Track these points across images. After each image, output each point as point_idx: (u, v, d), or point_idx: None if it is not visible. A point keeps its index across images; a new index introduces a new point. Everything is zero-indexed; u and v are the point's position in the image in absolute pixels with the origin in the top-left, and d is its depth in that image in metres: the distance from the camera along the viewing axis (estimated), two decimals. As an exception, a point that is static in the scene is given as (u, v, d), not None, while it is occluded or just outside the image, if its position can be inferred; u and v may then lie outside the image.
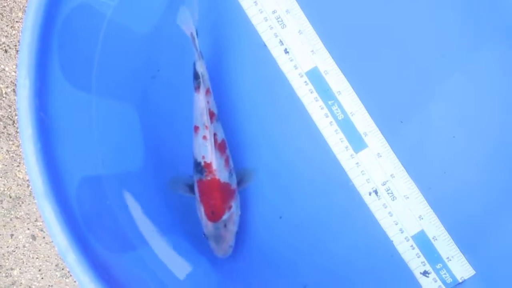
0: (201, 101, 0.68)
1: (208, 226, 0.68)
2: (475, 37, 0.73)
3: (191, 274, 0.69)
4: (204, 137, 0.67)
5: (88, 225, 0.60)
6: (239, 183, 0.70)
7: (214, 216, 0.67)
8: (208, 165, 0.67)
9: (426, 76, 0.74)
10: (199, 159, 0.68)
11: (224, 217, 0.67)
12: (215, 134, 0.68)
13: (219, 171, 0.67)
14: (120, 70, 0.70)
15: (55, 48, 0.61)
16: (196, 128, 0.68)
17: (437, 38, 0.74)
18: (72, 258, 0.57)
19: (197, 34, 0.69)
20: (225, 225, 0.68)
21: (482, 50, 0.73)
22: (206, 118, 0.68)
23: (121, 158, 0.69)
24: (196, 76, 0.69)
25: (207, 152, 0.67)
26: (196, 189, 0.69)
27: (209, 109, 0.68)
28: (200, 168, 0.68)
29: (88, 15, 0.65)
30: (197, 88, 0.69)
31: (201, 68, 0.69)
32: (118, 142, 0.69)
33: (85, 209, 0.61)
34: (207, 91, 0.69)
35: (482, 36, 0.74)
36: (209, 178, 0.67)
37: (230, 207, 0.68)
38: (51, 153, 0.59)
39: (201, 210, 0.68)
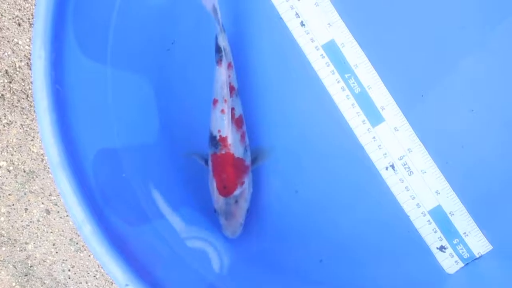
0: (223, 75, 0.68)
1: (219, 200, 0.67)
2: (495, 10, 0.72)
3: (206, 247, 0.68)
4: (222, 111, 0.67)
5: (104, 197, 0.60)
6: (254, 161, 0.70)
7: (226, 190, 0.67)
8: (224, 139, 0.67)
9: (444, 49, 0.72)
10: (215, 133, 0.67)
11: (236, 192, 0.67)
12: (232, 109, 0.67)
13: (234, 146, 0.67)
14: (135, 42, 0.70)
15: (70, 19, 0.61)
16: (215, 101, 0.68)
17: (456, 10, 0.72)
18: (88, 230, 0.57)
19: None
20: (236, 201, 0.67)
21: (502, 24, 0.72)
22: (226, 91, 0.67)
23: (136, 130, 0.69)
24: (218, 50, 0.69)
25: (224, 126, 0.67)
26: (209, 163, 0.68)
27: (230, 83, 0.68)
28: (216, 141, 0.67)
29: (103, -15, 0.65)
30: (219, 61, 0.68)
31: (223, 42, 0.69)
32: (133, 114, 0.69)
33: (101, 181, 0.61)
34: (229, 65, 0.68)
35: (502, 10, 0.72)
36: (223, 152, 0.67)
37: (242, 183, 0.67)
38: (66, 125, 0.59)
39: (213, 184, 0.68)
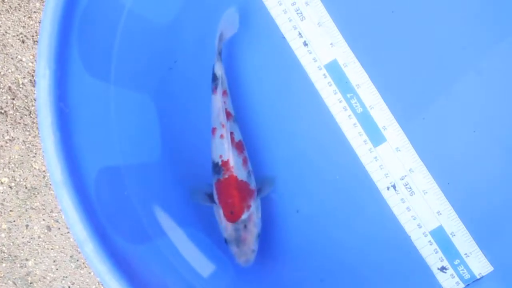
0: (218, 101, 0.68)
1: (227, 228, 0.66)
2: (499, 30, 0.72)
3: (208, 267, 0.68)
4: (221, 136, 0.67)
5: (106, 215, 0.60)
6: (259, 191, 0.69)
7: (233, 216, 0.66)
8: (225, 163, 0.67)
9: (446, 69, 0.73)
10: (217, 160, 0.67)
11: (243, 216, 0.66)
12: (231, 133, 0.67)
13: (237, 168, 0.67)
14: (139, 61, 0.70)
15: (74, 38, 0.61)
16: (214, 130, 0.68)
17: (458, 31, 0.73)
18: (90, 248, 0.57)
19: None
20: (245, 226, 0.66)
21: (503, 46, 0.73)
22: (222, 116, 0.67)
23: (139, 149, 0.69)
24: (214, 78, 0.69)
25: (224, 150, 0.67)
26: (214, 193, 0.68)
27: (226, 109, 0.68)
28: (218, 168, 0.67)
29: (107, 5, 0.65)
30: (214, 89, 0.69)
31: (219, 71, 0.69)
32: (136, 133, 0.69)
33: (103, 199, 0.61)
34: (224, 92, 0.69)
35: (504, 32, 0.73)
36: (226, 176, 0.67)
37: (249, 207, 0.67)
38: (69, 143, 0.59)
39: (219, 213, 0.67)
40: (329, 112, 0.73)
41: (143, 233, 0.64)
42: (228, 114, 0.68)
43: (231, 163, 0.66)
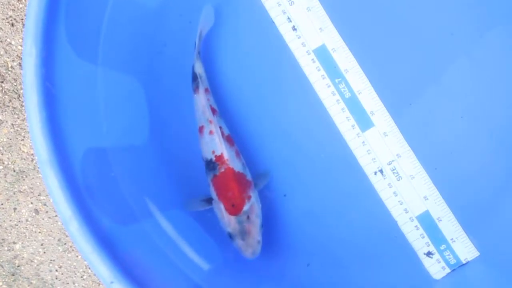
0: (202, 99, 0.68)
1: (231, 221, 0.66)
2: (486, 18, 0.73)
3: (195, 249, 0.68)
4: (211, 132, 0.67)
5: (92, 195, 0.60)
6: (255, 185, 0.69)
7: (235, 208, 0.65)
8: (220, 157, 0.66)
9: (435, 56, 0.73)
10: (210, 156, 0.67)
11: (245, 208, 0.66)
12: (220, 128, 0.67)
13: (232, 160, 0.67)
14: (127, 43, 0.70)
15: (62, 17, 0.61)
16: (201, 128, 0.68)
17: (447, 17, 0.73)
18: (75, 227, 0.57)
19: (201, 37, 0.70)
20: (248, 217, 0.66)
21: (492, 32, 0.73)
22: (208, 113, 0.67)
23: (126, 131, 0.69)
24: (194, 78, 0.69)
25: (216, 145, 0.67)
26: (212, 190, 0.67)
27: (210, 106, 0.68)
28: (212, 164, 0.67)
29: (96, -15, 0.65)
30: (196, 89, 0.69)
31: (199, 69, 0.69)
32: (123, 115, 0.69)
33: (89, 179, 0.61)
34: (206, 90, 0.69)
35: (492, 18, 0.73)
36: (223, 170, 0.66)
37: (249, 197, 0.66)
38: (56, 122, 0.59)
39: (220, 209, 0.66)
40: (318, 96, 0.73)
41: (129, 214, 0.64)
42: (213, 110, 0.68)
43: (226, 156, 0.66)
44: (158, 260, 0.64)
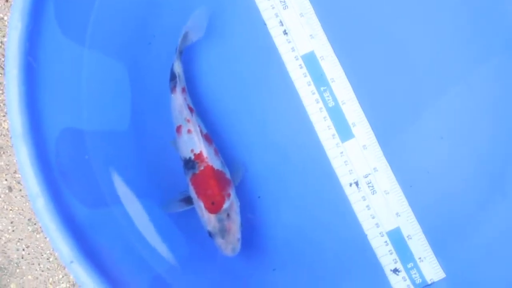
0: (179, 99, 0.68)
1: (210, 220, 0.65)
2: (470, 35, 0.73)
3: (161, 240, 0.68)
4: (189, 131, 0.67)
5: (63, 174, 0.60)
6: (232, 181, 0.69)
7: (214, 206, 0.65)
8: (199, 156, 0.66)
9: (420, 74, 0.73)
10: (188, 155, 0.67)
11: (225, 205, 0.65)
12: (198, 126, 0.67)
13: (211, 158, 0.66)
14: (117, 29, 0.70)
15: (51, -5, 0.61)
16: (179, 128, 0.68)
17: (434, 38, 0.73)
18: (41, 203, 0.56)
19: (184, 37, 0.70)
20: (227, 215, 0.65)
21: (477, 58, 0.73)
22: (186, 112, 0.67)
23: (106, 116, 0.69)
24: (172, 77, 0.69)
25: (195, 143, 0.66)
26: (191, 189, 0.67)
27: (188, 105, 0.68)
28: (192, 162, 0.66)
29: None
30: (173, 88, 0.69)
31: (178, 69, 0.69)
32: (106, 100, 0.69)
33: (62, 158, 0.61)
34: (183, 90, 0.68)
35: (479, 45, 0.73)
36: (202, 168, 0.66)
37: (229, 195, 0.66)
38: (34, 98, 0.59)
39: (200, 207, 0.66)
40: (301, 102, 0.73)
41: (99, 198, 0.64)
42: (191, 109, 0.68)
43: (205, 153, 0.66)
44: (122, 246, 0.64)
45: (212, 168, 0.66)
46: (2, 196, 0.79)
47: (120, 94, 0.71)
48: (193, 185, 0.66)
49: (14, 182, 0.79)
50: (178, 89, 0.68)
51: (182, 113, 0.67)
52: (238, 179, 0.70)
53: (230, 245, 0.65)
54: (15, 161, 0.79)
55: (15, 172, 0.79)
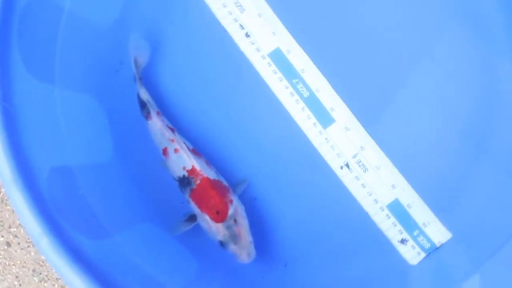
0: (157, 123, 0.68)
1: (219, 229, 0.65)
2: (430, 19, 0.75)
3: (170, 260, 0.68)
4: (176, 150, 0.67)
5: (61, 212, 0.60)
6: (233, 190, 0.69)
7: (220, 215, 0.65)
8: (192, 171, 0.66)
9: (386, 51, 0.75)
10: (181, 173, 0.67)
11: (230, 212, 0.65)
12: (184, 143, 0.68)
13: (204, 170, 0.66)
14: (83, 63, 0.70)
15: (14, 39, 0.62)
16: (165, 150, 0.68)
17: (393, 15, 0.76)
18: (45, 242, 0.56)
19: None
20: (235, 220, 0.65)
21: (437, 30, 0.75)
22: (168, 133, 0.68)
23: (90, 149, 0.69)
24: (143, 105, 0.69)
25: (185, 160, 0.67)
26: (193, 206, 0.66)
27: (167, 126, 0.68)
28: (187, 179, 0.66)
29: (46, 6, 0.66)
30: (147, 115, 0.69)
31: (145, 95, 0.69)
32: (85, 134, 0.69)
33: (57, 197, 0.61)
34: (158, 113, 0.69)
35: (437, 19, 0.75)
36: (198, 182, 0.66)
37: (231, 201, 0.66)
38: (17, 142, 0.59)
39: (206, 220, 0.65)
40: (277, 99, 0.74)
41: (101, 229, 0.64)
42: (171, 129, 0.68)
43: (197, 167, 0.66)
44: (133, 271, 0.64)
45: (208, 179, 0.66)
46: (2, 253, 0.78)
47: (98, 126, 0.71)
48: (193, 201, 0.66)
49: (11, 236, 0.79)
50: (153, 114, 0.69)
51: (164, 135, 0.68)
52: (240, 190, 0.70)
53: (244, 250, 0.65)
54: (7, 216, 0.79)
55: (9, 227, 0.79)
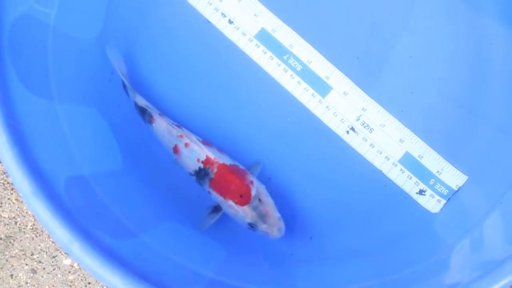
0: (162, 124, 0.69)
1: (246, 212, 0.65)
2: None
3: (198, 250, 0.68)
4: (186, 145, 0.67)
5: (85, 217, 0.60)
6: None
7: (244, 198, 0.65)
8: (207, 160, 0.66)
9: (375, 11, 0.76)
10: (197, 166, 0.67)
11: (253, 192, 0.65)
12: (193, 135, 0.68)
13: (219, 157, 0.67)
14: (76, 76, 0.71)
15: (7, 59, 0.62)
16: (175, 148, 0.68)
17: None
18: (77, 247, 0.56)
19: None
20: (259, 200, 0.65)
21: None
22: (175, 130, 0.68)
23: (99, 158, 0.69)
24: (142, 111, 0.70)
25: (198, 152, 0.67)
26: (214, 195, 0.67)
27: (173, 123, 0.69)
28: (204, 170, 0.66)
29: (32, 25, 0.66)
30: (151, 119, 0.69)
31: (142, 101, 0.70)
32: (93, 144, 0.69)
33: (78, 204, 0.61)
34: (160, 115, 0.69)
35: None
36: (216, 170, 0.66)
37: (252, 182, 0.66)
38: (29, 156, 0.59)
39: (231, 205, 0.65)
40: (272, 77, 0.75)
41: (126, 231, 0.64)
42: (177, 126, 0.69)
43: (212, 156, 0.66)
44: (164, 264, 0.64)
45: (224, 165, 0.66)
46: (29, 281, 0.78)
47: (103, 134, 0.72)
48: (215, 190, 0.66)
49: (35, 263, 0.78)
50: (155, 116, 0.69)
51: (172, 133, 0.68)
52: (255, 173, 0.70)
53: (274, 227, 0.65)
54: (28, 244, 0.79)
55: (32, 254, 0.78)
